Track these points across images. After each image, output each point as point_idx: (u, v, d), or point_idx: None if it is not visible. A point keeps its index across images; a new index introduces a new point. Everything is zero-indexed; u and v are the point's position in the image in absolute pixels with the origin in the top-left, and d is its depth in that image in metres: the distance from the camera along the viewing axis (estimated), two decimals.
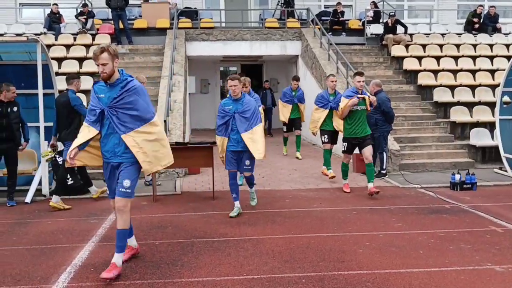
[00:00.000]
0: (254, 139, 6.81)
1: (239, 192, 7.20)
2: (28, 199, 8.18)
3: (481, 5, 17.79)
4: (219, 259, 5.16)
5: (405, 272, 4.74)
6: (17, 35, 15.22)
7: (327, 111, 9.69)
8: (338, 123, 9.32)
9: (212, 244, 5.68)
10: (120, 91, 4.62)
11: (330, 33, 16.41)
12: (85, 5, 16.06)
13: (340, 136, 9.26)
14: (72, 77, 8.15)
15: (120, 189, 4.59)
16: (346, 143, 8.52)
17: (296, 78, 12.46)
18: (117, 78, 4.66)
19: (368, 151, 8.32)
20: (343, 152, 8.67)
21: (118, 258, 4.67)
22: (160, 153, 4.78)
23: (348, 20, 17.80)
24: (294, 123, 12.26)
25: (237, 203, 7.12)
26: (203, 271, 4.82)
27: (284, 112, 12.18)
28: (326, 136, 9.75)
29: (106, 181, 4.89)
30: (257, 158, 6.82)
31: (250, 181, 7.37)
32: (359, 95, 8.14)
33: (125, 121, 4.61)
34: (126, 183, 4.58)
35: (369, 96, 8.35)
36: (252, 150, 6.80)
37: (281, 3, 18.11)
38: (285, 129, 12.45)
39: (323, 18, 17.48)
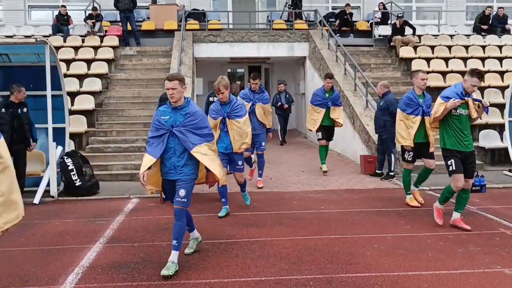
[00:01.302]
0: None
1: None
2: (36, 200, 8.21)
3: (489, 6, 17.68)
4: (226, 261, 5.15)
5: (414, 275, 4.70)
6: (26, 37, 15.35)
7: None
8: (429, 132, 7.32)
9: (219, 246, 5.67)
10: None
11: (338, 34, 16.37)
12: (94, 9, 16.14)
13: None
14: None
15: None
16: (452, 159, 6.14)
17: (329, 76, 10.40)
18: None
19: (472, 177, 6.43)
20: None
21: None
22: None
23: (356, 21, 17.76)
24: (327, 130, 10.22)
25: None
26: (210, 273, 4.81)
27: (313, 118, 10.15)
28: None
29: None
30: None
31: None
32: (461, 98, 6.09)
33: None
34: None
35: (475, 99, 6.24)
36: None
37: (289, 5, 18.11)
38: (320, 136, 10.20)
39: (330, 19, 17.45)
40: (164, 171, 4.95)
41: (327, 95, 10.14)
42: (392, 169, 9.80)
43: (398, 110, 7.47)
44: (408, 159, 7.46)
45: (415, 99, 7.28)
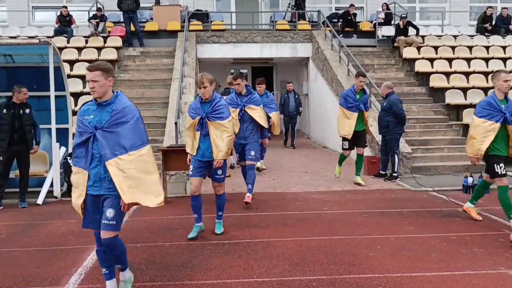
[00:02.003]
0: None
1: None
2: (39, 200, 8.23)
3: (490, 7, 17.63)
4: (229, 262, 5.14)
5: (417, 276, 4.69)
6: (30, 37, 15.35)
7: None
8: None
9: (222, 247, 5.67)
10: None
11: (341, 35, 16.35)
12: (99, 9, 16.18)
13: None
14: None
15: None
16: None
17: (362, 74, 9.41)
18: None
19: None
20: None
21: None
22: None
23: (359, 22, 17.74)
24: (358, 137, 9.26)
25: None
26: (213, 274, 4.81)
27: (346, 122, 9.15)
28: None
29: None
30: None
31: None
32: None
33: None
34: None
35: None
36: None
37: (292, 5, 18.10)
38: (346, 146, 9.32)
39: (334, 20, 17.44)
40: (88, 184, 3.94)
41: (357, 96, 9.14)
42: (396, 170, 9.78)
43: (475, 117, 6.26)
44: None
45: (496, 103, 6.13)
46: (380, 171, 10.07)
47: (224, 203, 6.24)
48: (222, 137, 5.87)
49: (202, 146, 5.92)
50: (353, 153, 9.61)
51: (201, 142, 5.92)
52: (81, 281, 4.67)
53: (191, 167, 6.01)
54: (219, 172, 6.00)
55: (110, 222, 3.87)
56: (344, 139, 9.25)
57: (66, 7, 16.23)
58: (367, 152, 11.07)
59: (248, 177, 7.76)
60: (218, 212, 6.28)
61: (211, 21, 17.08)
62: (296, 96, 14.90)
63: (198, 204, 6.03)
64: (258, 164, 11.35)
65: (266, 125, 7.97)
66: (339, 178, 9.95)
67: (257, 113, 7.71)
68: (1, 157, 8.04)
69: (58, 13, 16.27)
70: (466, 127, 12.08)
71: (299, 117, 15.39)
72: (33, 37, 14.81)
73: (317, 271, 4.83)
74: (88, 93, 12.59)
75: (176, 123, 10.05)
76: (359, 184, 9.25)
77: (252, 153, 7.68)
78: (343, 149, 9.37)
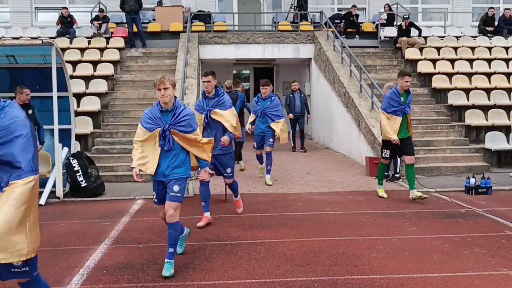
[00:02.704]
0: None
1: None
2: (42, 201, 8.24)
3: (492, 7, 17.60)
4: (231, 262, 5.15)
5: (419, 277, 4.69)
6: (33, 38, 15.39)
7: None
8: None
9: (224, 247, 5.67)
10: None
11: (344, 36, 16.35)
12: (101, 10, 16.21)
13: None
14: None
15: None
16: None
17: (407, 73, 8.11)
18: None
19: None
20: None
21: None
22: None
23: (361, 23, 17.73)
24: (404, 145, 8.04)
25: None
26: (215, 274, 4.81)
27: (390, 126, 7.93)
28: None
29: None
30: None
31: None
32: None
33: None
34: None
35: None
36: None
37: (294, 6, 18.10)
38: (387, 154, 8.18)
39: (336, 21, 17.44)
40: None
41: (402, 98, 7.94)
42: (398, 170, 9.78)
43: None
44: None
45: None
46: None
47: (178, 233, 5.01)
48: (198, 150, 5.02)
49: (162, 164, 4.81)
50: (354, 155, 9.56)
51: (163, 159, 4.81)
52: (83, 282, 4.68)
53: (154, 193, 5.01)
54: (175, 188, 4.82)
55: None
56: (385, 146, 8.14)
57: (66, 8, 16.24)
58: (369, 153, 11.09)
59: (232, 190, 7.23)
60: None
61: (213, 22, 17.09)
62: (302, 95, 14.10)
63: (173, 235, 4.91)
64: (242, 164, 11.44)
65: (237, 133, 6.82)
66: (342, 180, 9.96)
67: (224, 118, 6.61)
68: None
69: (59, 14, 16.29)
70: (468, 128, 12.11)
71: (306, 117, 14.43)
72: (35, 38, 14.86)
73: (319, 272, 4.83)
74: (91, 94, 12.64)
75: None
76: (420, 198, 7.88)
77: (228, 170, 6.83)
78: (383, 157, 8.30)
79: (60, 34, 15.71)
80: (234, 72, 20.54)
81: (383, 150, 8.26)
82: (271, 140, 9.40)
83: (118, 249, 5.64)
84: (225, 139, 6.65)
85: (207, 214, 6.69)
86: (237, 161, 10.76)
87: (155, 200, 5.03)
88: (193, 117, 4.93)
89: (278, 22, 17.53)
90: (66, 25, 15.90)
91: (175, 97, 4.84)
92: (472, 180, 8.67)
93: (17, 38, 15.02)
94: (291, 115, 13.90)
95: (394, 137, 7.87)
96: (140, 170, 4.89)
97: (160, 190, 4.93)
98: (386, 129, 7.96)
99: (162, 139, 4.81)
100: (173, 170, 4.81)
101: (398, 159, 9.77)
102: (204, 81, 6.58)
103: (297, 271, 4.88)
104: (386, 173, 9.96)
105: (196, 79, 13.41)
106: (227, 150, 6.79)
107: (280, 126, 9.32)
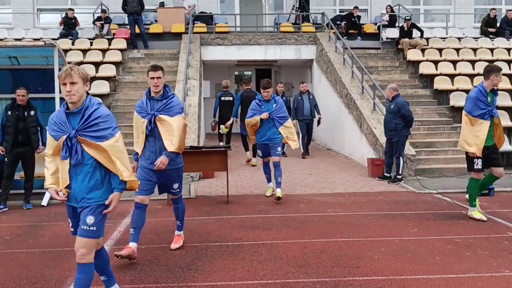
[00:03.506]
0: None
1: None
2: (44, 202, 8.26)
3: (493, 9, 17.59)
4: (233, 264, 5.15)
5: (421, 278, 4.68)
6: (35, 39, 15.41)
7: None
8: None
9: (226, 249, 5.68)
10: None
11: (346, 37, 16.36)
12: (103, 11, 16.25)
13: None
14: None
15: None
16: None
17: (499, 68, 6.83)
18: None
19: None
20: None
21: None
22: None
23: (363, 24, 17.74)
24: (489, 153, 6.73)
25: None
26: (217, 275, 4.82)
27: (478, 132, 6.61)
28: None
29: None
30: None
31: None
32: None
33: None
34: None
35: None
36: None
37: (296, 8, 18.11)
38: (479, 165, 6.70)
39: (338, 22, 17.44)
40: None
41: (489, 98, 6.71)
42: (400, 172, 9.78)
43: None
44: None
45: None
46: (385, 174, 10.06)
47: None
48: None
49: (72, 185, 3.82)
50: (355, 156, 9.55)
51: (73, 179, 3.81)
52: None
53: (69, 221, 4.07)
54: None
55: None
56: (473, 156, 6.69)
57: (72, 9, 16.29)
58: (371, 154, 11.09)
59: (176, 214, 5.79)
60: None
61: (215, 23, 17.11)
62: (311, 97, 12.96)
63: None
64: (249, 155, 11.67)
65: (172, 148, 5.29)
66: (344, 182, 9.95)
67: (167, 129, 5.34)
68: (6, 159, 8.09)
69: (63, 15, 16.33)
70: None
71: (318, 118, 13.16)
72: (38, 39, 14.89)
73: (321, 273, 4.83)
74: (93, 95, 12.56)
75: None
76: (475, 217, 6.87)
77: (175, 186, 5.55)
78: (476, 170, 6.76)
79: (63, 36, 15.75)
80: (236, 73, 20.55)
81: (474, 161, 6.68)
82: (279, 149, 8.29)
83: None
84: (161, 161, 5.24)
85: (133, 244, 5.27)
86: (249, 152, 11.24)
87: (72, 229, 3.99)
88: (109, 119, 3.78)
89: (280, 24, 17.55)
90: (70, 26, 15.94)
91: (87, 93, 3.80)
92: None
93: (20, 39, 15.07)
94: (294, 122, 12.31)
95: (472, 149, 6.59)
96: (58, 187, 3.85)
97: (75, 217, 3.89)
98: (470, 140, 6.63)
99: (66, 149, 3.73)
100: (87, 194, 3.75)
101: (401, 160, 9.78)
102: (153, 77, 5.35)
103: (299, 272, 4.88)
104: (388, 175, 9.99)
105: (197, 80, 13.43)
106: (174, 165, 5.41)
107: (291, 130, 8.33)
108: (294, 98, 13.04)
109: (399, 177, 9.77)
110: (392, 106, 9.80)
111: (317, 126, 13.53)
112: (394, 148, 9.78)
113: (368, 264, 5.10)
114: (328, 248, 5.63)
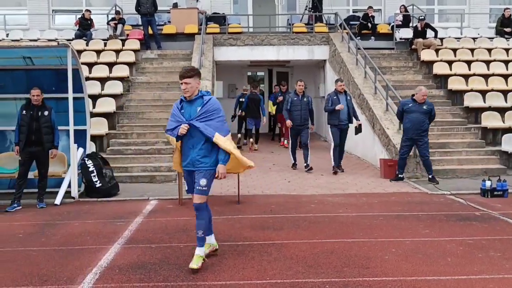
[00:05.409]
0: None
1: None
2: (57, 201, 8.34)
3: (508, 8, 17.37)
4: (243, 263, 5.15)
5: (432, 280, 4.64)
6: (50, 40, 15.57)
7: None
8: None
9: (236, 248, 5.68)
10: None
11: (359, 37, 16.28)
12: (117, 12, 16.38)
13: None
14: None
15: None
16: None
17: None
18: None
19: None
20: None
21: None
22: None
23: (377, 24, 17.64)
24: None
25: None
26: (227, 275, 4.82)
27: None
28: None
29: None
30: None
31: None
32: None
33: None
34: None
35: None
36: None
37: (309, 8, 18.07)
38: None
39: (351, 22, 17.37)
40: None
41: None
42: (403, 171, 9.87)
43: None
44: None
45: None
46: (398, 175, 9.95)
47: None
48: None
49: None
50: (368, 157, 9.45)
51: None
52: (95, 281, 4.71)
53: None
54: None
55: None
56: None
57: (89, 10, 16.44)
58: (384, 155, 11.00)
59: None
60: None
61: (228, 24, 17.14)
62: (349, 98, 10.90)
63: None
64: (256, 147, 13.88)
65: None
66: (356, 183, 9.90)
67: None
68: (20, 158, 8.18)
69: (80, 16, 16.49)
70: (485, 130, 11.97)
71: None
72: (53, 40, 15.05)
73: (331, 274, 4.81)
74: (106, 95, 12.76)
75: None
76: None
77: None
78: None
79: (77, 36, 15.91)
80: (249, 73, 20.56)
81: None
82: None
83: (131, 249, 5.68)
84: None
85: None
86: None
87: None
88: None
89: (292, 24, 17.52)
90: (85, 27, 16.10)
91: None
92: (488, 183, 8.56)
93: (35, 40, 15.23)
94: (289, 122, 10.93)
95: None
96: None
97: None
98: None
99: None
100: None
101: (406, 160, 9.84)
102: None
103: (309, 272, 4.86)
104: (401, 176, 9.90)
105: (210, 81, 13.45)
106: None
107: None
108: (328, 97, 10.89)
109: (401, 176, 9.89)
110: (425, 107, 9.80)
111: (355, 134, 11.02)
112: (426, 149, 9.77)
113: (379, 265, 5.07)
114: (338, 249, 5.60)
